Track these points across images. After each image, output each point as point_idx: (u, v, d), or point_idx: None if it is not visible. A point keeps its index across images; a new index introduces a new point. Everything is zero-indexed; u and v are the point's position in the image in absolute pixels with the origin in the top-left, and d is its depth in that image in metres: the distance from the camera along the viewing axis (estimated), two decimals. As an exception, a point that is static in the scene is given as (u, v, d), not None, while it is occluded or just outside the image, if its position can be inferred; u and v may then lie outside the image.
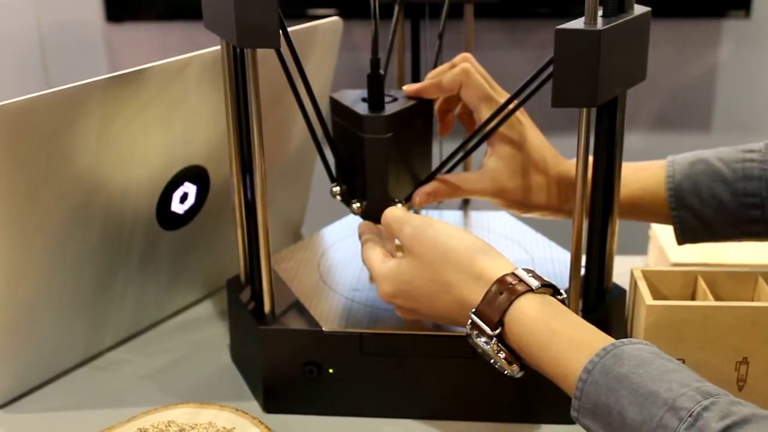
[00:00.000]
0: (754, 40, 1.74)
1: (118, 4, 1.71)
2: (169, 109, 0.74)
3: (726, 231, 0.75)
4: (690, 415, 0.49)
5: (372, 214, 0.73)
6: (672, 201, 0.75)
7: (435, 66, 0.86)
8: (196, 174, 0.80)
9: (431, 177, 0.74)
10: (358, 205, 0.73)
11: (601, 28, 0.61)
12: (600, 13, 0.64)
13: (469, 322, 0.61)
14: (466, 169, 0.95)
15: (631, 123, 1.77)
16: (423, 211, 0.92)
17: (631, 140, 1.81)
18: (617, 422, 0.52)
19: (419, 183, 0.74)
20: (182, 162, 0.78)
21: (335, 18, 0.87)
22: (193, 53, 0.73)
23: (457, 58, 0.76)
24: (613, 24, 0.62)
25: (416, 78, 0.92)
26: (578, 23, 0.62)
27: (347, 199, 0.74)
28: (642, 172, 0.77)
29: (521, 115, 0.74)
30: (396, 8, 0.86)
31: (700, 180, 0.74)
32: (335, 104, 0.74)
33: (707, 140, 1.80)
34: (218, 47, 0.73)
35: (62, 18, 1.71)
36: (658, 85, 1.76)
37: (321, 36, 0.85)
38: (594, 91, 0.62)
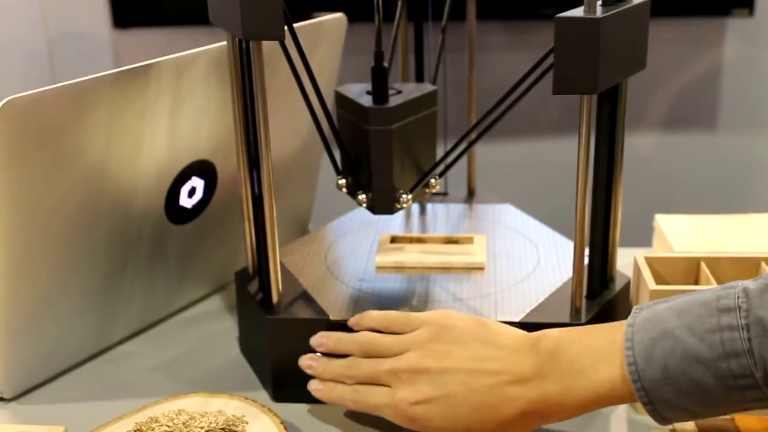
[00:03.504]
0: (758, 39, 1.75)
1: (125, 10, 1.73)
2: (177, 103, 0.75)
3: (721, 412, 0.58)
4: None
5: (377, 206, 0.74)
6: (642, 396, 0.56)
7: (438, 61, 0.87)
8: (203, 168, 0.81)
9: (435, 167, 0.75)
10: (364, 196, 0.74)
11: (601, 16, 0.62)
12: (599, 2, 0.65)
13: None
14: (470, 160, 0.96)
15: (636, 123, 1.78)
16: (429, 205, 0.93)
17: (636, 140, 1.83)
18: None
19: (424, 174, 0.75)
20: (190, 156, 0.79)
21: (339, 14, 0.88)
22: (200, 48, 0.74)
23: None
24: (612, 12, 0.63)
25: (420, 77, 0.93)
26: (578, 12, 0.63)
27: (353, 191, 0.75)
28: (599, 364, 0.59)
29: None
30: (399, 4, 0.87)
31: (670, 365, 0.55)
32: (340, 97, 0.75)
33: (712, 139, 1.81)
34: (225, 42, 0.74)
35: (69, 25, 1.73)
36: (662, 84, 1.77)
37: (326, 32, 0.86)
38: (594, 78, 0.63)
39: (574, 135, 0.68)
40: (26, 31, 1.71)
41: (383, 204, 0.73)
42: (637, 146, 1.80)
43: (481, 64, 1.44)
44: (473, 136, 0.74)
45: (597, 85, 0.63)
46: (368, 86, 0.74)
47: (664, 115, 1.81)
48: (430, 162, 0.76)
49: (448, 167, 0.76)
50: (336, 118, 0.75)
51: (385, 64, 0.72)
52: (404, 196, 0.73)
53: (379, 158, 0.72)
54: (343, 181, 0.75)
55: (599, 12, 0.63)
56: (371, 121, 0.71)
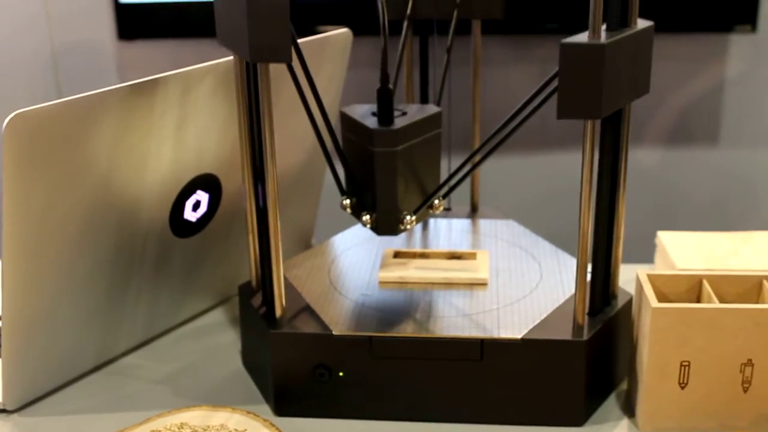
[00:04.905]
0: (761, 55, 1.75)
1: (130, 22, 1.74)
2: (183, 117, 0.75)
3: None
4: None
5: (381, 227, 0.74)
6: None
7: (443, 81, 0.87)
8: (208, 182, 0.82)
9: (439, 189, 0.75)
10: (368, 217, 0.74)
11: (605, 42, 0.62)
12: (604, 27, 0.66)
13: None
14: (473, 177, 0.97)
15: (638, 138, 1.78)
16: (431, 221, 0.93)
17: (638, 155, 1.83)
18: None
19: (428, 196, 0.76)
20: (195, 170, 0.80)
21: (345, 30, 0.88)
22: (207, 63, 0.75)
23: None
24: (616, 38, 0.64)
25: (425, 94, 0.94)
26: (582, 37, 0.64)
27: (357, 212, 0.75)
28: None
29: None
30: (405, 24, 0.88)
31: None
32: (345, 118, 0.75)
33: (715, 155, 1.82)
34: (231, 58, 0.75)
35: (74, 36, 1.74)
36: (664, 100, 1.78)
37: (331, 48, 0.87)
38: (598, 103, 0.64)
39: (577, 152, 0.69)
40: (31, 42, 1.71)
41: (387, 225, 0.74)
42: (640, 161, 1.81)
43: (485, 78, 1.44)
44: (477, 158, 0.74)
45: (601, 111, 0.63)
46: (373, 107, 0.75)
47: (667, 131, 1.81)
48: (434, 183, 0.76)
49: (451, 189, 0.76)
50: (341, 138, 0.76)
51: (391, 86, 0.73)
52: (408, 217, 0.74)
53: (383, 180, 0.72)
54: (347, 202, 0.76)
55: (604, 37, 0.63)
56: (376, 143, 0.71)
